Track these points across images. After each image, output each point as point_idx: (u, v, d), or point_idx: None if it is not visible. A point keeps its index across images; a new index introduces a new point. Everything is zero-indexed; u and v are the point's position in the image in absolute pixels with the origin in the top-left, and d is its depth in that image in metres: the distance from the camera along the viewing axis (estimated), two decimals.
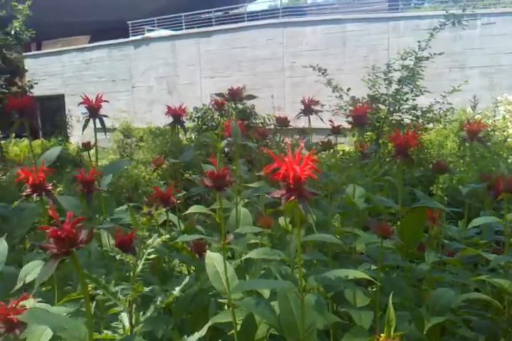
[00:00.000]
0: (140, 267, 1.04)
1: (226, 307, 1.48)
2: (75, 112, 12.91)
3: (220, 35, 12.09)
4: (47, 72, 14.76)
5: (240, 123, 2.28)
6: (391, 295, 0.87)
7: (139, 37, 13.80)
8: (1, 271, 1.30)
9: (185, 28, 14.39)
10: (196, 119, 8.70)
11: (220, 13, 15.58)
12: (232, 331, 1.26)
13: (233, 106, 8.26)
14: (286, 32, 11.18)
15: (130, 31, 15.42)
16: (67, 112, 13.16)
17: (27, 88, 11.75)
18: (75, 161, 8.82)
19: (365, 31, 10.36)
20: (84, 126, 1.77)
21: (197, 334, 1.08)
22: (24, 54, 12.49)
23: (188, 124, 8.71)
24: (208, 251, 1.36)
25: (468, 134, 2.08)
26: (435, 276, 1.59)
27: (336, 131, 2.13)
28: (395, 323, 0.81)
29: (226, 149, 2.56)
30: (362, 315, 1.37)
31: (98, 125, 1.89)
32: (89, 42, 17.09)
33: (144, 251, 1.04)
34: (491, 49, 9.35)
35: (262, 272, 1.57)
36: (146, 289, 1.02)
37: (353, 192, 1.74)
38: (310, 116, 2.19)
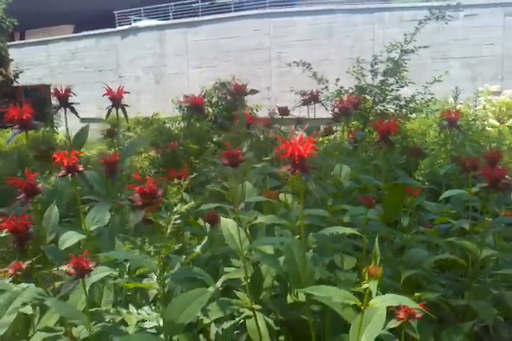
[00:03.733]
0: (169, 230, 1.23)
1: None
2: None
3: (207, 25, 12.13)
4: (32, 62, 14.66)
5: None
6: (377, 238, 1.12)
7: (125, 27, 13.77)
8: (56, 234, 1.51)
9: (173, 18, 14.38)
10: (185, 109, 8.77)
11: (206, 3, 15.57)
12: (245, 283, 1.52)
13: (220, 96, 8.30)
14: (273, 22, 11.26)
15: (116, 21, 15.36)
16: (54, 102, 13.13)
17: (12, 77, 11.71)
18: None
19: (351, 22, 10.49)
20: (107, 116, 1.95)
21: (212, 287, 1.31)
22: (8, 43, 12.39)
23: (177, 114, 8.80)
24: (222, 218, 1.57)
25: (448, 122, 2.28)
26: (411, 237, 1.86)
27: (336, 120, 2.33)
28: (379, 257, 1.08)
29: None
30: (347, 275, 1.63)
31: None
32: (73, 32, 16.97)
33: (172, 216, 1.23)
34: (474, 40, 9.54)
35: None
36: (177, 246, 1.22)
37: (339, 171, 1.94)
38: (305, 106, 2.39)
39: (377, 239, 1.11)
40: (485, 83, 8.13)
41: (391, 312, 1.30)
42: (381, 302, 1.11)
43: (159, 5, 14.86)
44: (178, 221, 1.23)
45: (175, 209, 1.21)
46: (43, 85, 14.18)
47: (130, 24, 14.29)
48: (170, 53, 12.62)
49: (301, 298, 1.53)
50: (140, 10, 15.22)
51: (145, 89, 12.77)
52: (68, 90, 1.94)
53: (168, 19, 14.32)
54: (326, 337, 1.46)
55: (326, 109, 2.47)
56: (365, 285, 1.09)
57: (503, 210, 2.02)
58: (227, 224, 1.52)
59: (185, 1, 14.99)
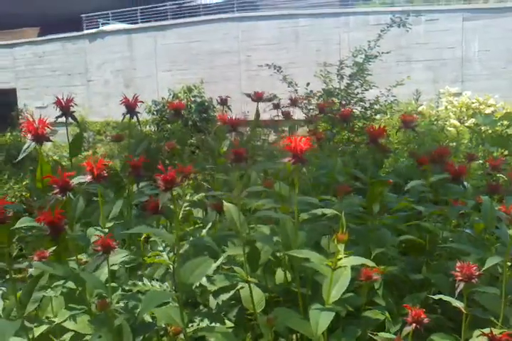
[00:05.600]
0: (180, 215, 1.48)
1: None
2: (31, 107, 12.71)
3: (176, 28, 12.20)
4: None
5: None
6: (343, 213, 1.43)
7: (93, 30, 13.70)
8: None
9: (141, 22, 14.39)
10: (155, 112, 8.83)
11: (175, 7, 15.62)
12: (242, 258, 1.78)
13: (192, 99, 8.43)
14: (241, 26, 11.43)
15: (84, 24, 15.26)
16: (22, 106, 12.94)
17: None
18: (32, 156, 8.81)
19: (318, 26, 10.75)
20: (122, 120, 2.12)
21: (214, 264, 1.59)
22: None
23: (147, 117, 8.84)
24: (225, 203, 1.78)
25: (404, 124, 2.49)
26: (379, 221, 2.15)
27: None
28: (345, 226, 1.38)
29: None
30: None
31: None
32: (38, 35, 16.73)
33: (183, 204, 1.50)
34: (435, 44, 9.92)
35: None
36: (188, 229, 1.40)
37: (334, 166, 2.26)
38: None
39: (343, 214, 1.42)
40: (446, 85, 8.49)
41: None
42: (347, 262, 1.41)
43: (128, 8, 14.83)
44: (188, 208, 1.51)
45: (187, 197, 1.41)
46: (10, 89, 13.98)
47: (98, 27, 14.22)
48: (139, 57, 12.64)
49: (289, 277, 1.86)
50: (108, 13, 15.16)
51: (114, 93, 12.72)
52: (70, 100, 2.05)
53: (137, 23, 14.32)
54: (307, 300, 1.72)
55: (304, 113, 2.66)
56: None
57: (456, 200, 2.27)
58: (230, 208, 1.75)
59: (153, 5, 15.02)
